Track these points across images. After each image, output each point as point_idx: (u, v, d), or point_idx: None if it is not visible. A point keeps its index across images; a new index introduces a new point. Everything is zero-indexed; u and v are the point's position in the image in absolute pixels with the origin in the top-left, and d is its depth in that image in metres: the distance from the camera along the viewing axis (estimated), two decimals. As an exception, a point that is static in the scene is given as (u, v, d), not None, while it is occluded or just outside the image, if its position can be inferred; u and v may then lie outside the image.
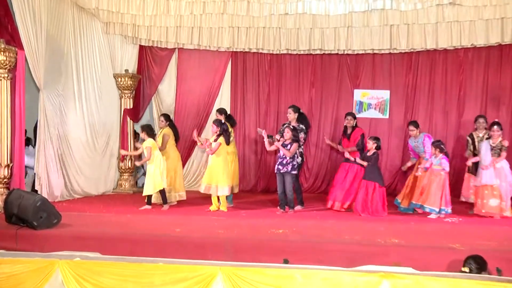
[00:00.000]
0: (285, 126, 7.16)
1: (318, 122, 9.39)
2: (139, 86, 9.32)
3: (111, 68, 9.02)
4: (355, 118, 7.30)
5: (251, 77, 9.54)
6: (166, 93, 9.63)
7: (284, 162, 6.89)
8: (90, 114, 8.52)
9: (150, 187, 7.04)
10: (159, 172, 7.02)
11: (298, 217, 6.64)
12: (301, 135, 7.23)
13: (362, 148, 6.98)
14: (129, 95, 9.11)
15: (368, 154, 6.82)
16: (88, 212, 6.79)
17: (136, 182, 9.55)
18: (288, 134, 6.90)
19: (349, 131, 7.15)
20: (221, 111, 7.75)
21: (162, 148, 7.36)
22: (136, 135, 9.41)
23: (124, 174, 9.18)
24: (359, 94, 9.22)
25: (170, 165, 7.39)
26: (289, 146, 6.89)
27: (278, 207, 7.10)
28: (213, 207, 7.02)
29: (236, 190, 7.55)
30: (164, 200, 7.14)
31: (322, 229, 5.81)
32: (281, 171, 6.90)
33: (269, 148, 7.03)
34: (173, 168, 7.45)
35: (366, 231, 5.64)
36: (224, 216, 6.62)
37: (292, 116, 7.38)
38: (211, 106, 9.44)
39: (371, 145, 6.78)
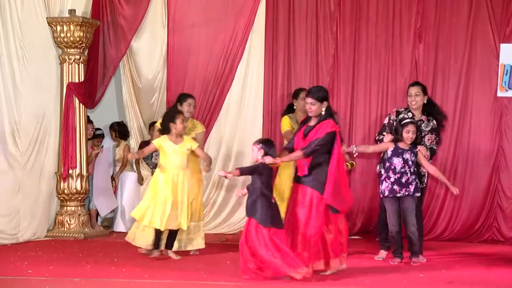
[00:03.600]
0: (402, 115, 7.57)
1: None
2: (96, 42, 9.29)
3: (43, 8, 8.98)
4: (323, 99, 6.87)
5: (303, 24, 9.56)
6: (147, 55, 9.72)
7: (404, 180, 7.30)
8: (4, 92, 8.51)
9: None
10: None
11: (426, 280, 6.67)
12: (430, 136, 7.72)
13: (323, 158, 6.81)
14: (77, 57, 9.04)
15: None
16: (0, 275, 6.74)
17: (96, 217, 9.60)
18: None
19: (312, 122, 6.93)
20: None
21: None
22: (95, 131, 9.63)
23: (69, 202, 9.12)
24: (510, 53, 9.17)
25: None
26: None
27: (393, 255, 7.58)
28: None
29: None
30: (156, 244, 7.57)
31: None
32: (398, 194, 7.32)
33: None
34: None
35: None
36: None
37: (420, 100, 7.74)
38: (229, 77, 9.52)
39: (256, 152, 6.67)
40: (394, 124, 7.60)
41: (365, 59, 9.35)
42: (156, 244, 7.53)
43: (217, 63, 9.40)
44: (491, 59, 9.12)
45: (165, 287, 6.26)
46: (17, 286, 6.22)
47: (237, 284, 6.30)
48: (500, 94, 9.09)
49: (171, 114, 7.51)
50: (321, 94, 6.81)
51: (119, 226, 9.48)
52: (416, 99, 7.67)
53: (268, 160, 6.47)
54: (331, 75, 9.40)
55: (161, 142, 7.45)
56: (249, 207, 6.55)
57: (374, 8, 9.33)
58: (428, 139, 7.61)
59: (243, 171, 6.64)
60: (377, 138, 7.79)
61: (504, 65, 9.09)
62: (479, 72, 9.17)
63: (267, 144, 6.67)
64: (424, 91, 7.74)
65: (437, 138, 7.75)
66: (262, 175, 6.51)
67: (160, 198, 7.39)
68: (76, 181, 8.96)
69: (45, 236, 8.88)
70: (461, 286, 6.39)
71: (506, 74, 9.09)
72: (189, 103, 7.91)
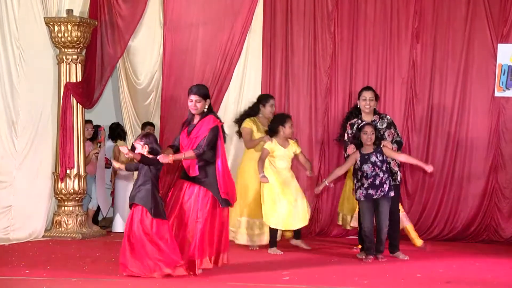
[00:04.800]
0: (356, 121, 7.68)
1: (427, 106, 9.32)
2: (94, 42, 9.30)
3: (40, 8, 8.97)
4: (207, 97, 6.91)
5: (300, 25, 9.57)
6: (144, 55, 9.75)
7: (378, 181, 7.40)
8: (1, 92, 8.54)
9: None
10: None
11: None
12: (390, 131, 7.76)
13: (210, 154, 6.85)
14: (75, 57, 9.05)
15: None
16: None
17: (95, 217, 9.67)
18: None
19: (195, 121, 6.95)
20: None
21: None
22: (97, 131, 9.63)
23: (67, 203, 9.11)
24: (507, 53, 9.19)
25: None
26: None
27: (366, 253, 7.70)
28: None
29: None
30: (274, 242, 8.07)
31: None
32: (374, 197, 7.44)
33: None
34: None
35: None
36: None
37: (373, 105, 7.80)
38: (227, 77, 9.50)
39: (140, 150, 6.62)
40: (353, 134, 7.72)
41: (362, 59, 9.37)
42: (275, 242, 7.96)
43: (215, 63, 9.36)
44: (489, 59, 9.14)
45: (162, 286, 6.18)
46: (15, 286, 6.16)
47: (235, 284, 6.29)
48: (497, 94, 9.11)
49: (280, 118, 7.96)
50: (205, 91, 6.87)
51: (117, 227, 9.44)
52: (370, 103, 7.70)
53: (163, 159, 6.45)
54: (329, 75, 9.41)
55: (272, 146, 7.88)
56: (141, 196, 6.50)
57: (371, 8, 9.35)
58: (388, 135, 7.65)
59: (144, 160, 6.52)
60: (345, 155, 7.83)
61: (502, 65, 9.11)
62: (477, 72, 9.19)
63: (149, 138, 6.64)
64: (377, 96, 7.83)
65: (396, 130, 7.79)
66: (156, 168, 6.56)
67: (276, 200, 7.84)
68: (73, 181, 8.96)
69: (43, 236, 8.85)
70: (459, 286, 6.37)
71: (504, 74, 9.10)
72: (271, 104, 8.33)
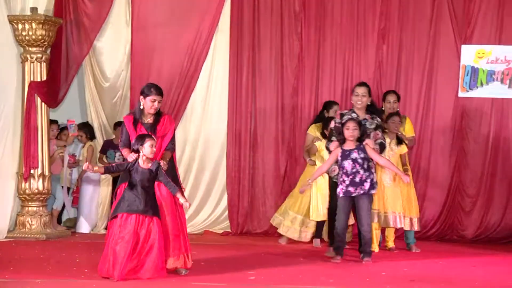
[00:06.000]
0: (346, 117, 7.60)
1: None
2: (59, 40, 9.25)
3: (4, 5, 8.93)
4: (159, 93, 6.87)
5: (268, 25, 9.63)
6: (110, 54, 9.72)
7: (358, 179, 7.38)
8: None
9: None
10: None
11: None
12: (375, 133, 7.78)
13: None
14: (39, 56, 9.01)
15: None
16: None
17: (59, 217, 9.58)
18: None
19: (148, 119, 6.91)
20: None
21: None
22: (61, 130, 9.60)
23: (30, 203, 9.07)
24: (471, 54, 9.29)
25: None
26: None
27: (332, 254, 7.67)
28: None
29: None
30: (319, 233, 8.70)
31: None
32: (353, 194, 7.40)
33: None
34: None
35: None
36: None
37: (365, 101, 7.81)
38: (194, 77, 9.57)
39: (150, 147, 6.52)
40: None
41: (329, 60, 9.41)
42: (320, 234, 8.58)
43: (182, 62, 9.40)
44: (453, 60, 9.22)
45: (128, 286, 6.14)
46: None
47: (200, 284, 6.27)
48: (461, 94, 9.19)
49: (324, 121, 8.40)
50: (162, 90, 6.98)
51: (82, 227, 9.38)
52: (362, 99, 7.70)
53: (164, 167, 6.46)
54: (296, 75, 9.45)
55: (321, 144, 8.29)
56: (155, 207, 6.50)
57: (338, 9, 9.39)
58: (373, 137, 7.67)
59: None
60: (327, 145, 7.86)
61: (465, 66, 9.20)
62: (441, 73, 9.27)
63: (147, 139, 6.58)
64: (369, 92, 7.80)
65: (382, 134, 7.83)
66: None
67: (324, 196, 8.29)
68: (37, 181, 8.90)
69: (5, 237, 8.77)
70: (422, 285, 6.43)
71: (467, 75, 9.18)
72: (334, 110, 8.57)
